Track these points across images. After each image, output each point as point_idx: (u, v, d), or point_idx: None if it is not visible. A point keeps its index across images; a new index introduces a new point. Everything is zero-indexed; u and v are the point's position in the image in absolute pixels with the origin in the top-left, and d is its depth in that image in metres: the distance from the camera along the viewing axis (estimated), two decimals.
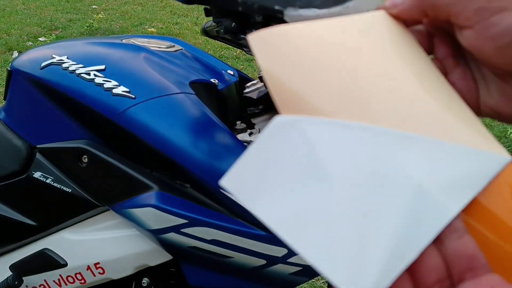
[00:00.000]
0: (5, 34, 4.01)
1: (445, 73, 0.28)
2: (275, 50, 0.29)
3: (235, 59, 3.55)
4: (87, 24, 4.23)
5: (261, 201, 0.27)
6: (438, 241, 0.24)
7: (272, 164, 0.28)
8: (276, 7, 0.63)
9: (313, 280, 1.66)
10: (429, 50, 0.28)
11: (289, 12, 0.61)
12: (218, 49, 3.68)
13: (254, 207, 0.27)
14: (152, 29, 4.18)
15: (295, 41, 0.29)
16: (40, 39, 3.87)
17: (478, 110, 0.28)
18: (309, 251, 0.25)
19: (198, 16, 4.58)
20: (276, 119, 0.28)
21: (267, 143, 0.28)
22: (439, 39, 0.28)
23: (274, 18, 0.65)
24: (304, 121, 0.27)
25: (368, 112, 0.26)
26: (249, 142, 0.79)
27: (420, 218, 0.24)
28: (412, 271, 0.24)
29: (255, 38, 0.29)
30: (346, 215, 0.25)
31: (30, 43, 3.78)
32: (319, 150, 0.26)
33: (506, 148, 2.27)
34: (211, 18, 0.85)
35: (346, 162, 0.26)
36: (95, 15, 4.50)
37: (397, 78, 0.26)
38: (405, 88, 0.26)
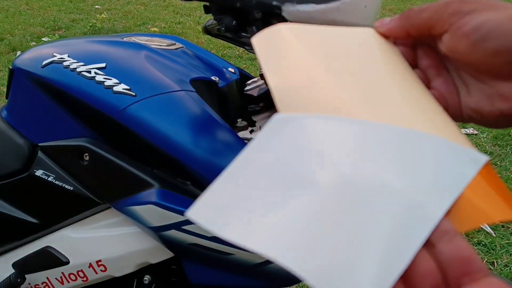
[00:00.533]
0: (8, 35, 4.02)
1: (428, 81, 0.31)
2: (276, 50, 0.31)
3: (237, 58, 3.55)
4: (90, 24, 4.24)
5: (235, 224, 0.25)
6: (429, 245, 0.24)
7: (260, 170, 0.27)
8: (274, 3, 0.63)
9: None
10: (413, 62, 0.31)
11: (287, 8, 0.62)
12: (220, 48, 3.68)
13: (225, 232, 0.25)
14: (155, 29, 4.19)
15: (295, 42, 0.31)
16: (44, 39, 3.89)
17: (461, 112, 0.30)
18: (299, 265, 0.23)
19: (200, 15, 4.59)
20: (275, 116, 0.29)
21: (266, 140, 0.28)
22: (422, 52, 0.31)
23: (273, 14, 0.65)
24: (301, 117, 0.28)
25: (360, 109, 0.28)
26: (249, 140, 0.79)
27: (407, 224, 0.24)
28: (406, 278, 0.23)
29: (258, 39, 0.32)
30: (333, 225, 0.24)
31: (34, 43, 3.79)
32: (315, 143, 0.27)
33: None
34: (212, 17, 0.85)
35: (338, 155, 0.26)
36: (98, 15, 4.51)
37: (383, 84, 0.29)
38: (390, 93, 0.28)
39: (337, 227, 0.24)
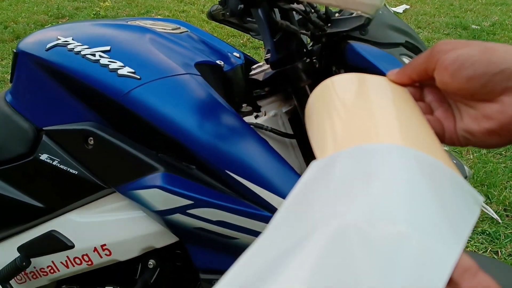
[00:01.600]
0: (12, 22, 4.02)
1: (432, 111, 0.38)
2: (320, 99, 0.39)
3: (241, 47, 3.54)
4: (94, 12, 4.22)
5: None
6: (453, 285, 0.23)
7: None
8: None
9: None
10: (420, 97, 0.39)
11: None
12: (224, 37, 3.66)
13: None
14: (159, 17, 4.17)
15: (335, 91, 0.39)
16: (47, 27, 3.88)
17: (456, 135, 0.36)
18: None
19: (204, 4, 4.56)
20: (312, 164, 0.31)
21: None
22: (426, 90, 0.39)
23: None
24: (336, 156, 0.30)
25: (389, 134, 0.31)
26: (255, 125, 0.79)
27: (424, 271, 0.22)
28: None
29: (315, 91, 0.41)
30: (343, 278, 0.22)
31: None
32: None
33: None
34: (217, 1, 0.84)
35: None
36: (101, 3, 4.49)
37: (395, 115, 0.34)
38: (401, 125, 0.33)
39: (348, 281, 0.22)
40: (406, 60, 0.77)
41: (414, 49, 0.80)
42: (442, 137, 0.37)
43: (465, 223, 0.26)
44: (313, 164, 0.31)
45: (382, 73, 0.73)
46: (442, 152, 0.32)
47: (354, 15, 0.76)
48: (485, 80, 0.32)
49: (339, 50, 0.78)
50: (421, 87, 0.40)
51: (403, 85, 0.39)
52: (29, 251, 0.87)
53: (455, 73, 0.33)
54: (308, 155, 0.86)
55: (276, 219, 0.28)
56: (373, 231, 0.23)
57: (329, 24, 0.80)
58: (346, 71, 0.80)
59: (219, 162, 0.70)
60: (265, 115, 0.84)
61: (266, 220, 0.71)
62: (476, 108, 0.34)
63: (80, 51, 0.76)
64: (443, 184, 0.28)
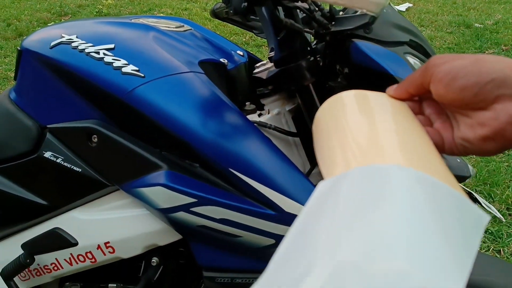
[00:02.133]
0: (15, 20, 4.02)
1: (431, 123, 0.40)
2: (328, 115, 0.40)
3: (244, 45, 3.53)
4: (97, 10, 4.23)
5: None
6: None
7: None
8: None
9: None
10: (420, 111, 0.41)
11: None
12: (227, 35, 3.66)
13: None
14: (162, 15, 4.17)
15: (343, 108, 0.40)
16: (50, 25, 3.88)
17: (455, 144, 0.38)
18: None
19: (207, 1, 4.56)
20: (320, 184, 0.31)
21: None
22: (425, 103, 0.41)
23: None
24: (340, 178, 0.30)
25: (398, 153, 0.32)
26: (258, 123, 0.79)
27: None
28: None
29: (323, 106, 0.42)
30: None
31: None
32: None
33: None
34: (220, 0, 0.84)
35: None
36: (104, 1, 4.49)
37: (398, 139, 0.34)
38: (405, 145, 0.33)
39: None
40: (410, 58, 0.76)
41: (418, 47, 0.80)
42: (442, 148, 0.38)
43: (469, 249, 0.25)
44: (320, 185, 0.32)
45: (386, 72, 0.73)
46: (444, 170, 0.32)
47: (358, 13, 0.76)
48: (477, 89, 0.34)
49: (343, 48, 0.78)
50: (420, 100, 0.42)
51: (402, 100, 0.41)
52: (32, 248, 0.87)
53: (449, 84, 0.35)
54: (311, 154, 0.86)
55: (280, 251, 0.28)
56: (371, 268, 0.22)
57: (333, 23, 0.79)
58: (350, 70, 0.80)
59: (223, 160, 0.70)
60: (268, 113, 0.84)
61: (270, 218, 0.71)
62: (471, 116, 0.36)
63: (84, 49, 0.77)
64: (446, 207, 0.27)
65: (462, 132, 0.37)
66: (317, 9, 0.81)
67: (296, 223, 0.29)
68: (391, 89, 0.42)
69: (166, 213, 0.73)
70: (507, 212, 1.84)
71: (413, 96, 0.41)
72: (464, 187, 0.74)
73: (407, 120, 0.37)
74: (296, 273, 0.25)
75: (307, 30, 0.80)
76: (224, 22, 1.03)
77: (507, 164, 2.15)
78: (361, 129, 0.36)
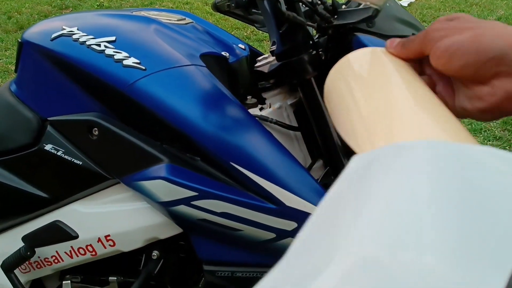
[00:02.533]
0: (16, 13, 4.01)
1: (434, 84, 0.39)
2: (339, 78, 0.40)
3: (245, 40, 3.52)
4: (98, 3, 4.21)
5: None
6: None
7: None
8: None
9: None
10: (421, 71, 0.41)
11: None
12: (228, 29, 3.64)
13: None
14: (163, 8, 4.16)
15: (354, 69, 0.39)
16: (51, 17, 3.87)
17: (455, 110, 0.38)
18: None
19: None
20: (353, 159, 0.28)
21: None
22: (426, 64, 0.40)
23: None
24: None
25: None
26: (259, 117, 0.78)
27: None
28: None
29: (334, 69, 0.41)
30: None
31: None
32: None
33: None
34: None
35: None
36: None
37: (404, 94, 0.35)
38: (426, 113, 0.32)
39: None
40: None
41: None
42: None
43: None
44: (353, 159, 0.28)
45: None
46: (465, 132, 0.31)
47: (361, 7, 0.75)
48: (477, 67, 0.34)
49: (346, 42, 0.78)
50: (419, 61, 0.41)
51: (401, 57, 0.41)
52: (33, 241, 0.87)
53: (448, 62, 0.35)
54: (313, 148, 0.86)
55: (299, 240, 0.24)
56: (394, 263, 0.19)
57: (335, 16, 0.79)
58: None
59: (224, 154, 0.70)
60: (270, 107, 0.83)
61: (270, 212, 0.71)
62: (470, 88, 0.36)
63: (85, 41, 0.76)
64: (480, 176, 0.23)
65: (461, 101, 0.38)
66: (319, 2, 0.81)
67: (318, 209, 0.26)
68: (391, 46, 0.41)
69: (166, 207, 0.73)
70: None
71: (411, 59, 0.40)
72: None
73: (420, 84, 0.37)
74: (313, 265, 0.22)
75: (310, 23, 0.80)
76: (226, 16, 1.02)
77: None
78: (377, 96, 0.35)
